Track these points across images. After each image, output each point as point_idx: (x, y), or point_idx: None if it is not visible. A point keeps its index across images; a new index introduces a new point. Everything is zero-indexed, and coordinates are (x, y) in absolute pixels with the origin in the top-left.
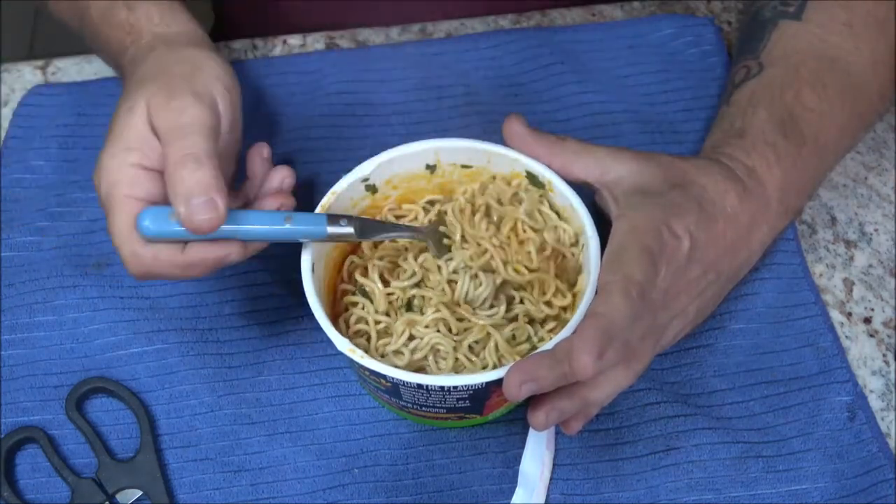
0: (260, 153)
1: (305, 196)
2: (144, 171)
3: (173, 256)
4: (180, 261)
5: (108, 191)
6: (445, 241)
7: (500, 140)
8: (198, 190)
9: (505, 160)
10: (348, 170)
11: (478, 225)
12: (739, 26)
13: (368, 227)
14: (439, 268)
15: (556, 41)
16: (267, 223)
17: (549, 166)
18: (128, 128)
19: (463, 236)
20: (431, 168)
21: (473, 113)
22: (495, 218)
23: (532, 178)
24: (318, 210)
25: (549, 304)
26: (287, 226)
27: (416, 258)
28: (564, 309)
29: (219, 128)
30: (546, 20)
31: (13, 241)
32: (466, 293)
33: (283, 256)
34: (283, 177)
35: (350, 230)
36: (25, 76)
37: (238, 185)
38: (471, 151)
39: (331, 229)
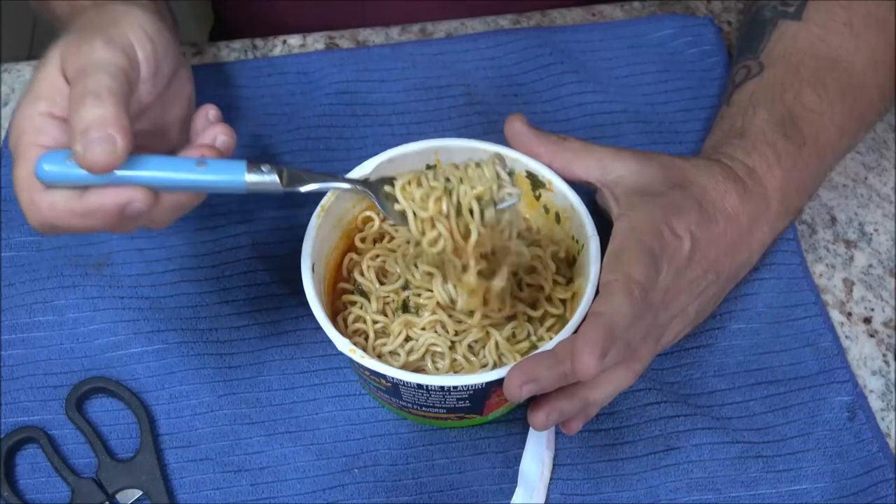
0: (205, 113)
1: (305, 196)
2: (52, 119)
3: (70, 203)
4: (78, 207)
5: (16, 140)
6: (396, 205)
7: (500, 140)
8: (95, 125)
9: (505, 160)
10: (348, 170)
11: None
12: (739, 26)
13: (296, 176)
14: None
15: (556, 41)
16: (177, 169)
17: (550, 166)
18: (40, 78)
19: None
20: (431, 168)
21: (473, 113)
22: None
23: (532, 178)
24: (317, 210)
25: (549, 299)
26: (199, 171)
27: (405, 261)
28: (563, 302)
29: (132, 72)
30: (546, 20)
31: (13, 241)
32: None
33: (283, 256)
34: (217, 132)
35: (273, 178)
36: (25, 76)
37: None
38: (471, 151)
39: (250, 177)
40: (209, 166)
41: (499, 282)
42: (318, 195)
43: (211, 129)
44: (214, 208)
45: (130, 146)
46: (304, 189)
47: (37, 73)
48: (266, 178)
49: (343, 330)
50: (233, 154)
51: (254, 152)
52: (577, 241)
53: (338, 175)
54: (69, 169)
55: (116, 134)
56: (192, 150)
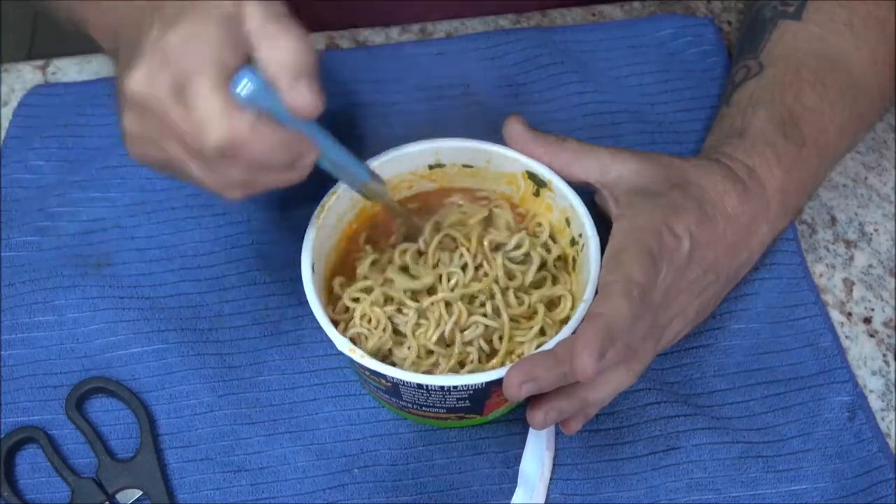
0: None
1: (305, 196)
2: (230, 40)
3: (273, 130)
4: (280, 136)
5: (190, 57)
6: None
7: (500, 140)
8: (306, 69)
9: (505, 160)
10: None
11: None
12: (739, 26)
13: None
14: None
15: (556, 41)
16: (335, 141)
17: (550, 166)
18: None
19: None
20: (432, 168)
21: (473, 113)
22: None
23: (533, 178)
24: (318, 210)
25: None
26: (347, 150)
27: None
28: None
29: None
30: (546, 20)
31: (13, 241)
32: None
33: (284, 256)
34: None
35: (384, 187)
36: (25, 76)
37: None
38: (471, 151)
39: (371, 183)
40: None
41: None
42: (319, 195)
43: None
44: (214, 208)
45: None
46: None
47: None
48: (380, 187)
49: (342, 329)
50: None
51: None
52: (576, 242)
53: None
54: (271, 99)
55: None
56: None
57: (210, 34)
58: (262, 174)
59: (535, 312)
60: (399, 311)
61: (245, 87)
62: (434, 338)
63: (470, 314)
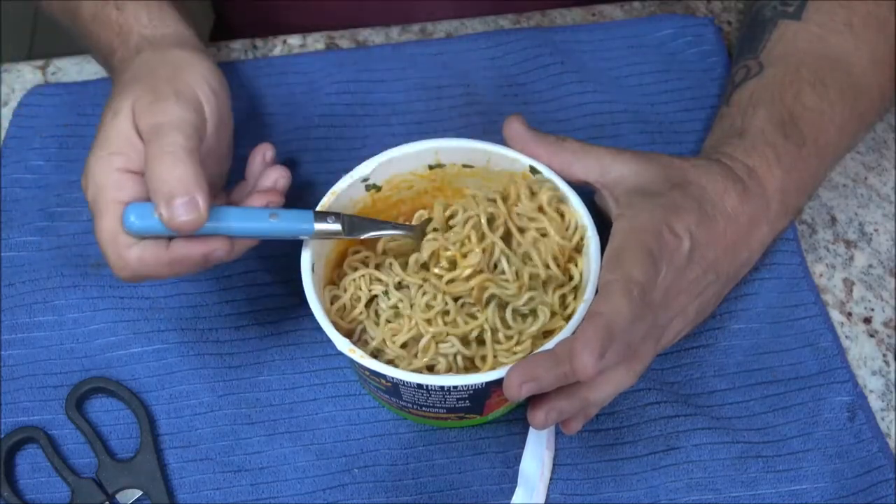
0: (263, 154)
1: (306, 196)
2: (130, 174)
3: (158, 255)
4: (165, 258)
5: (95, 195)
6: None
7: (500, 140)
8: (179, 189)
9: (505, 160)
10: (348, 170)
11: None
12: (739, 26)
13: (357, 224)
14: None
15: (556, 41)
16: (252, 220)
17: (549, 166)
18: (113, 131)
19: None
20: (432, 168)
21: (473, 113)
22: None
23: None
24: (318, 209)
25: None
26: (272, 221)
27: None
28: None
29: (203, 128)
30: (546, 20)
31: (13, 241)
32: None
33: (283, 256)
34: (277, 177)
35: (337, 227)
36: (25, 76)
37: (231, 186)
38: (471, 151)
39: (318, 226)
40: (281, 217)
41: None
42: (320, 193)
43: (271, 172)
44: None
45: (210, 203)
46: (363, 236)
47: (107, 124)
48: (332, 227)
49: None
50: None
51: None
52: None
53: (391, 223)
54: (156, 223)
55: (198, 196)
56: (256, 196)
57: (110, 165)
58: (187, 274)
59: (522, 342)
60: (385, 293)
61: (132, 223)
62: (400, 341)
63: (448, 333)
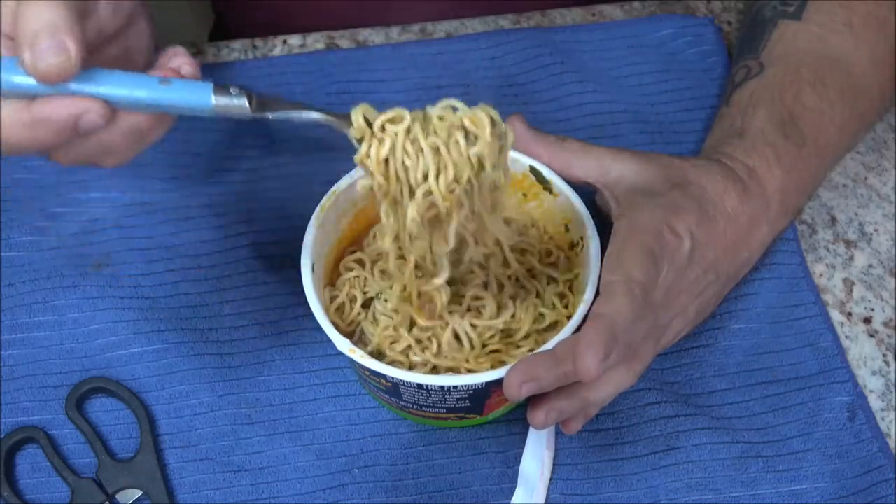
0: (173, 51)
1: (306, 196)
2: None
3: (18, 112)
4: (26, 117)
5: None
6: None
7: None
8: (46, 31)
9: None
10: (348, 170)
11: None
12: (739, 26)
13: (266, 102)
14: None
15: (556, 41)
16: (138, 85)
17: (550, 166)
18: None
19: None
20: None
21: None
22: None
23: (535, 177)
24: (317, 209)
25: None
26: (162, 89)
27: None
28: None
29: None
30: (546, 20)
31: (13, 241)
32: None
33: (284, 256)
34: (181, 62)
35: (242, 102)
36: None
37: None
38: None
39: (218, 100)
40: (173, 85)
41: (439, 280)
42: (320, 194)
43: (176, 58)
44: (214, 208)
45: (84, 55)
46: (272, 115)
47: None
48: (234, 102)
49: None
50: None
51: (254, 151)
52: (577, 243)
53: (312, 104)
54: (20, 77)
55: (69, 41)
56: (154, 71)
57: None
58: (71, 151)
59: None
60: (379, 296)
61: None
62: (399, 348)
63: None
